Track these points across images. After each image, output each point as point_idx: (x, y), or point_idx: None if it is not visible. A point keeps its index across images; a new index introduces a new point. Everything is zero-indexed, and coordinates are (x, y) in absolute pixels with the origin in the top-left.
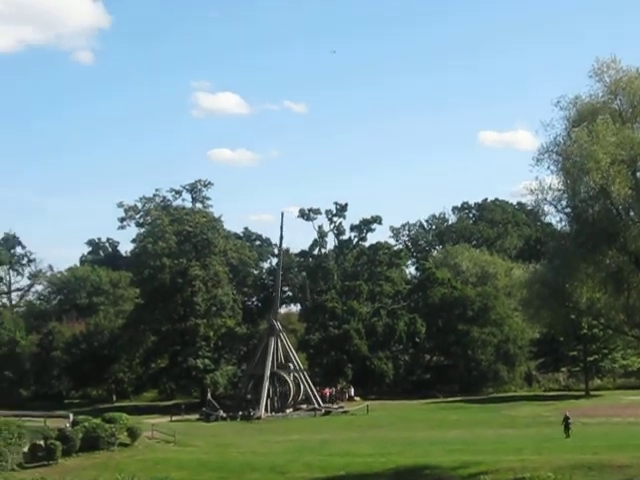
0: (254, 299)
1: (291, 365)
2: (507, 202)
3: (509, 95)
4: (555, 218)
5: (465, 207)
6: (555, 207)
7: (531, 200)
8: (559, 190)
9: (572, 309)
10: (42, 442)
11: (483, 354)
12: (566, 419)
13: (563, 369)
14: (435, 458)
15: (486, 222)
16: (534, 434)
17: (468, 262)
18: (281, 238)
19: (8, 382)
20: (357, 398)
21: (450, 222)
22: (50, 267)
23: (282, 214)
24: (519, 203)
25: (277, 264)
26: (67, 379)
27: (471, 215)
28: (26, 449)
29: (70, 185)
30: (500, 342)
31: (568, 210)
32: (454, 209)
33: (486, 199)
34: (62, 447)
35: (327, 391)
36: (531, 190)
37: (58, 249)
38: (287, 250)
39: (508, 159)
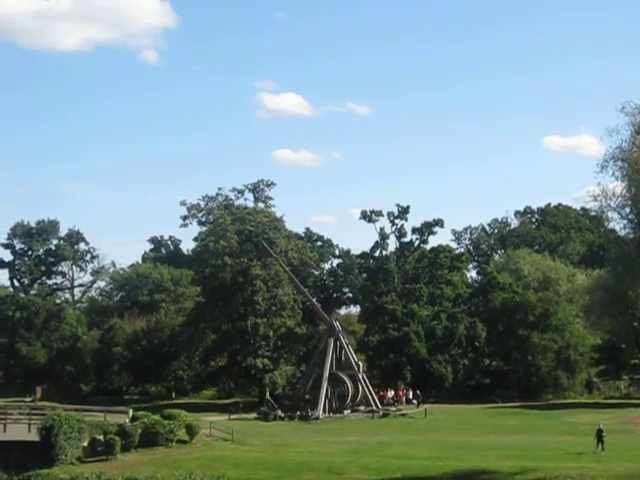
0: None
1: (353, 366)
2: (570, 207)
3: (574, 100)
4: (619, 224)
5: (528, 212)
6: (619, 213)
7: (595, 206)
8: (623, 196)
9: (635, 316)
10: (101, 437)
11: (543, 360)
12: (599, 432)
13: (624, 377)
14: (492, 463)
15: (549, 227)
16: (593, 442)
17: (530, 267)
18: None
19: (69, 377)
20: (415, 401)
21: (512, 226)
22: (113, 264)
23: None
24: (582, 209)
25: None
26: (127, 375)
27: (534, 220)
28: (86, 443)
29: (135, 183)
30: (561, 348)
31: (632, 217)
32: (517, 213)
33: (549, 204)
34: (121, 442)
35: (389, 393)
36: (594, 196)
37: (121, 246)
38: (348, 251)
39: (572, 164)
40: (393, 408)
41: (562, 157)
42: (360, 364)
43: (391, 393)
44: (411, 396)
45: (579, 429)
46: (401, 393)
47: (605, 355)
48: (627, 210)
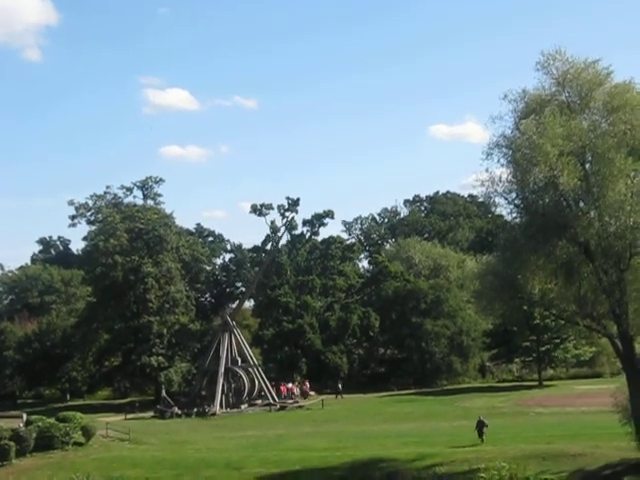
0: (207, 295)
1: (240, 360)
2: (458, 195)
3: (459, 89)
4: (506, 210)
5: (417, 200)
6: (505, 199)
7: (482, 192)
8: (509, 182)
9: (524, 300)
10: None
11: (437, 346)
12: (480, 424)
13: (516, 360)
14: (391, 451)
15: (438, 215)
16: (489, 425)
17: (420, 255)
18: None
19: None
20: (312, 393)
21: (402, 215)
22: (1, 266)
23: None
24: (470, 195)
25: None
26: (20, 379)
27: (423, 208)
28: None
29: (21, 184)
30: (453, 334)
31: (518, 202)
32: (406, 202)
33: (437, 192)
34: (16, 447)
35: (289, 387)
36: (482, 182)
37: (8, 248)
38: (240, 246)
39: (459, 152)
40: (290, 401)
41: (449, 145)
42: (255, 358)
43: (294, 386)
44: (308, 388)
45: (474, 413)
46: (307, 386)
47: (497, 339)
48: (513, 195)
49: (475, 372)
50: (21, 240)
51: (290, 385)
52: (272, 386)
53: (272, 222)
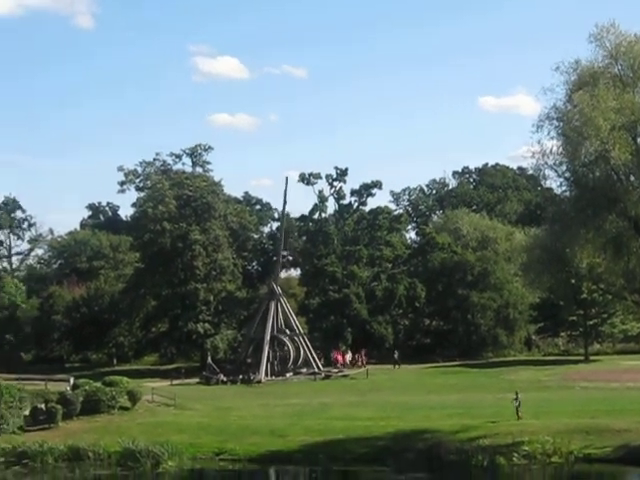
0: (254, 263)
1: (289, 330)
2: (507, 167)
3: (508, 60)
4: (555, 183)
5: (465, 172)
6: (555, 171)
7: (532, 164)
8: (559, 155)
9: (572, 274)
10: (43, 405)
11: (483, 319)
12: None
13: (562, 334)
14: (434, 422)
15: (486, 187)
16: (533, 398)
17: (468, 227)
18: (285, 203)
19: (9, 346)
20: (360, 363)
21: (450, 187)
22: (50, 231)
23: (286, 179)
24: (519, 168)
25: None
26: (68, 343)
27: (471, 180)
28: (27, 412)
29: (71, 149)
30: (500, 307)
31: (568, 175)
32: (454, 174)
33: (486, 164)
34: (63, 410)
35: (342, 356)
36: (532, 153)
37: (58, 213)
38: (287, 214)
39: (508, 124)
40: (335, 370)
41: (498, 117)
42: (300, 327)
43: (348, 356)
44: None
45: (519, 386)
46: (363, 356)
47: (543, 313)
48: (563, 168)
49: (521, 345)
50: (70, 205)
51: (341, 354)
52: (319, 354)
53: (320, 191)
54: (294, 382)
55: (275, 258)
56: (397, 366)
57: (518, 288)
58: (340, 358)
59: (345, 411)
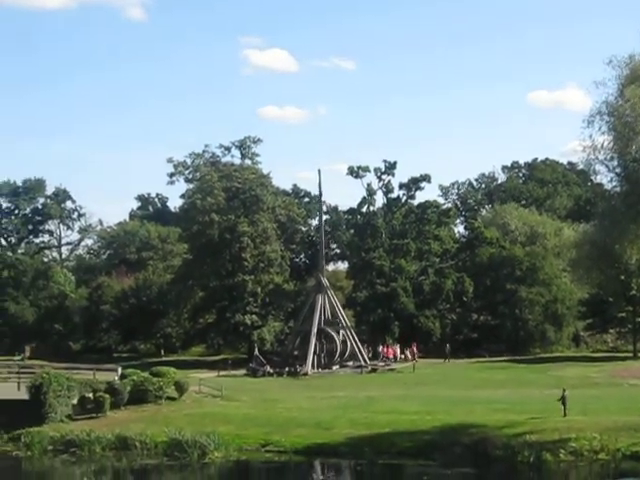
0: (302, 256)
1: (338, 322)
2: (557, 162)
3: (560, 54)
4: (606, 178)
5: (515, 166)
6: (606, 167)
7: (582, 159)
8: (610, 150)
9: (622, 270)
10: (91, 395)
11: (531, 314)
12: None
13: (611, 330)
14: (481, 417)
15: (536, 181)
16: (581, 395)
17: (517, 222)
18: (320, 195)
19: (58, 335)
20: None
21: (499, 181)
22: (100, 222)
23: (319, 171)
24: (569, 163)
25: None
26: (116, 333)
27: (521, 174)
28: (75, 401)
29: (121, 140)
30: (548, 302)
31: (619, 170)
32: (504, 168)
33: (536, 159)
34: (110, 400)
35: (391, 350)
36: (583, 148)
37: (108, 204)
38: (335, 207)
39: (558, 118)
40: (381, 363)
41: (548, 111)
42: (347, 320)
43: (395, 348)
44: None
45: (567, 382)
46: (415, 350)
47: (592, 309)
48: (614, 163)
49: (569, 341)
50: (120, 196)
51: (389, 348)
52: (366, 348)
53: (368, 184)
54: (340, 375)
55: (319, 249)
56: (448, 360)
57: (567, 284)
58: (391, 352)
59: (391, 404)
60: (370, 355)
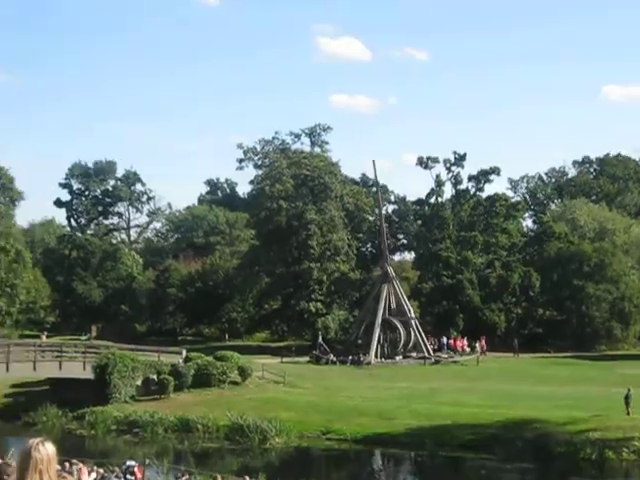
0: (368, 245)
1: (407, 313)
2: (629, 158)
3: (635, 48)
4: None
5: (586, 161)
6: None
7: None
8: None
9: None
10: (155, 376)
11: (597, 311)
12: (627, 397)
13: None
14: (544, 413)
15: (607, 177)
16: (631, 396)
17: (586, 217)
18: (377, 185)
19: (124, 316)
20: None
21: (570, 176)
22: (169, 205)
23: (373, 162)
24: None
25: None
26: (181, 316)
27: (592, 170)
28: (139, 382)
29: (191, 125)
30: (615, 299)
31: None
32: (574, 163)
33: (608, 154)
34: (174, 382)
35: (459, 342)
36: None
37: (177, 188)
38: (404, 198)
39: (633, 113)
40: (445, 355)
41: (622, 106)
42: (412, 311)
43: (462, 341)
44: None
45: (633, 381)
46: (484, 344)
47: None
48: None
49: (635, 339)
50: (189, 181)
51: (456, 341)
52: (430, 339)
53: (437, 176)
54: (403, 365)
55: (380, 241)
56: (516, 354)
57: (635, 281)
58: (459, 344)
59: (453, 397)
60: (435, 347)
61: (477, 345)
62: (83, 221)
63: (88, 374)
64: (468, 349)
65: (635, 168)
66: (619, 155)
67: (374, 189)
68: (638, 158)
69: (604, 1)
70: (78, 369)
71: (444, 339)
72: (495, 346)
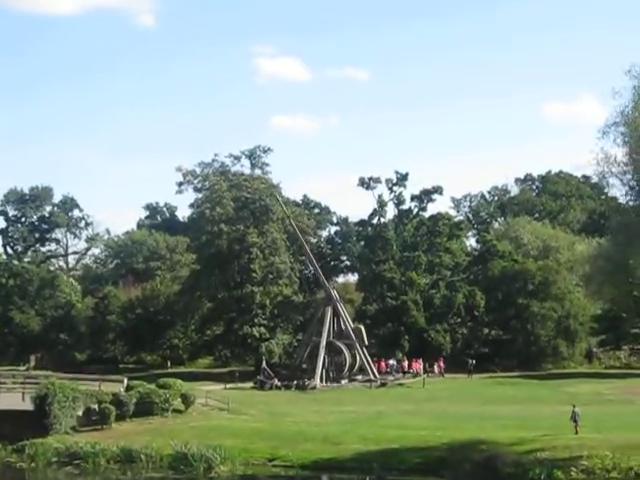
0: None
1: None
2: (571, 175)
3: (573, 65)
4: (620, 192)
5: (528, 179)
6: (620, 180)
7: (596, 171)
8: (625, 163)
9: (636, 285)
10: (96, 406)
11: (543, 329)
12: (574, 413)
13: (625, 347)
14: (491, 433)
15: (549, 195)
16: (594, 412)
17: (530, 235)
18: (288, 218)
19: (64, 345)
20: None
21: (512, 194)
22: (107, 231)
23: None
24: (584, 176)
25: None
26: (122, 344)
27: (534, 187)
28: (80, 413)
29: (129, 149)
30: (561, 317)
31: (633, 184)
32: (517, 181)
33: (550, 171)
34: (116, 412)
35: (415, 364)
36: (597, 161)
37: (115, 213)
38: (346, 219)
39: (573, 130)
40: (391, 377)
41: (562, 123)
42: (362, 329)
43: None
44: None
45: (579, 399)
46: (441, 365)
47: (605, 325)
48: (628, 177)
49: (582, 357)
50: (128, 205)
51: (414, 362)
52: (374, 362)
53: (379, 196)
54: (349, 389)
55: (314, 270)
56: (471, 376)
57: (580, 299)
58: (415, 366)
59: (400, 420)
60: (389, 370)
61: (435, 367)
62: (20, 248)
63: (27, 405)
64: (422, 372)
65: (577, 185)
66: (561, 172)
67: (316, 210)
68: (580, 175)
69: (543, 16)
70: (17, 400)
71: (393, 361)
72: (446, 367)
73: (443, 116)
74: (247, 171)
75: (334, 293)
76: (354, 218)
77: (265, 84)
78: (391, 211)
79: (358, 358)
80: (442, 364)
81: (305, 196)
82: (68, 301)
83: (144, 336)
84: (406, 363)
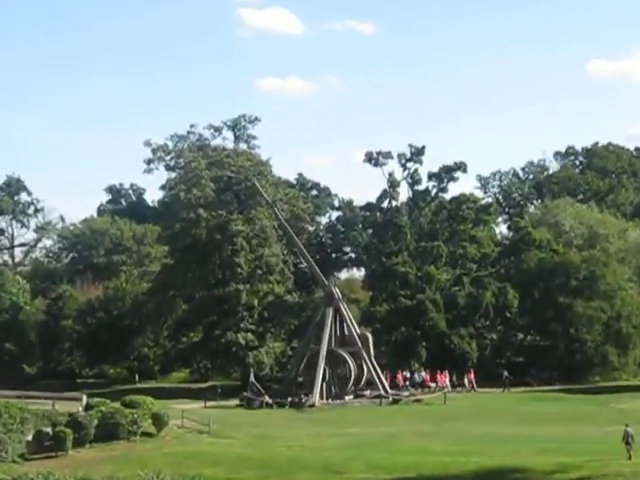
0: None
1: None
2: (622, 147)
3: (620, 16)
4: None
5: (570, 153)
6: None
7: None
8: None
9: None
10: (49, 429)
11: (589, 334)
12: (626, 434)
13: None
14: (525, 459)
15: (596, 171)
16: (633, 437)
17: (572, 220)
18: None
19: (10, 356)
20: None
21: (551, 171)
22: (61, 218)
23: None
24: (637, 149)
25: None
26: (80, 354)
27: (577, 163)
28: (30, 437)
29: (86, 120)
30: (610, 319)
31: None
32: (556, 155)
33: (596, 143)
34: (73, 436)
35: (440, 377)
36: None
37: (71, 197)
38: (350, 202)
39: (623, 93)
40: (405, 393)
41: (611, 86)
42: (369, 337)
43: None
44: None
45: (633, 417)
46: (472, 377)
47: None
48: None
49: (635, 367)
50: (86, 188)
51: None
52: (385, 374)
53: (390, 174)
54: (355, 407)
55: (310, 269)
56: (507, 389)
57: (633, 296)
58: (441, 379)
59: (417, 443)
60: (406, 384)
61: (465, 380)
62: None
63: None
64: (449, 386)
65: (629, 160)
66: (609, 145)
67: (314, 192)
68: (632, 148)
69: None
70: None
71: (415, 374)
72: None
73: (464, 76)
74: (230, 145)
75: (336, 291)
76: (359, 201)
77: (250, 39)
78: (404, 192)
79: (365, 369)
80: (472, 376)
81: (300, 175)
82: (14, 303)
83: (106, 345)
84: (428, 376)
